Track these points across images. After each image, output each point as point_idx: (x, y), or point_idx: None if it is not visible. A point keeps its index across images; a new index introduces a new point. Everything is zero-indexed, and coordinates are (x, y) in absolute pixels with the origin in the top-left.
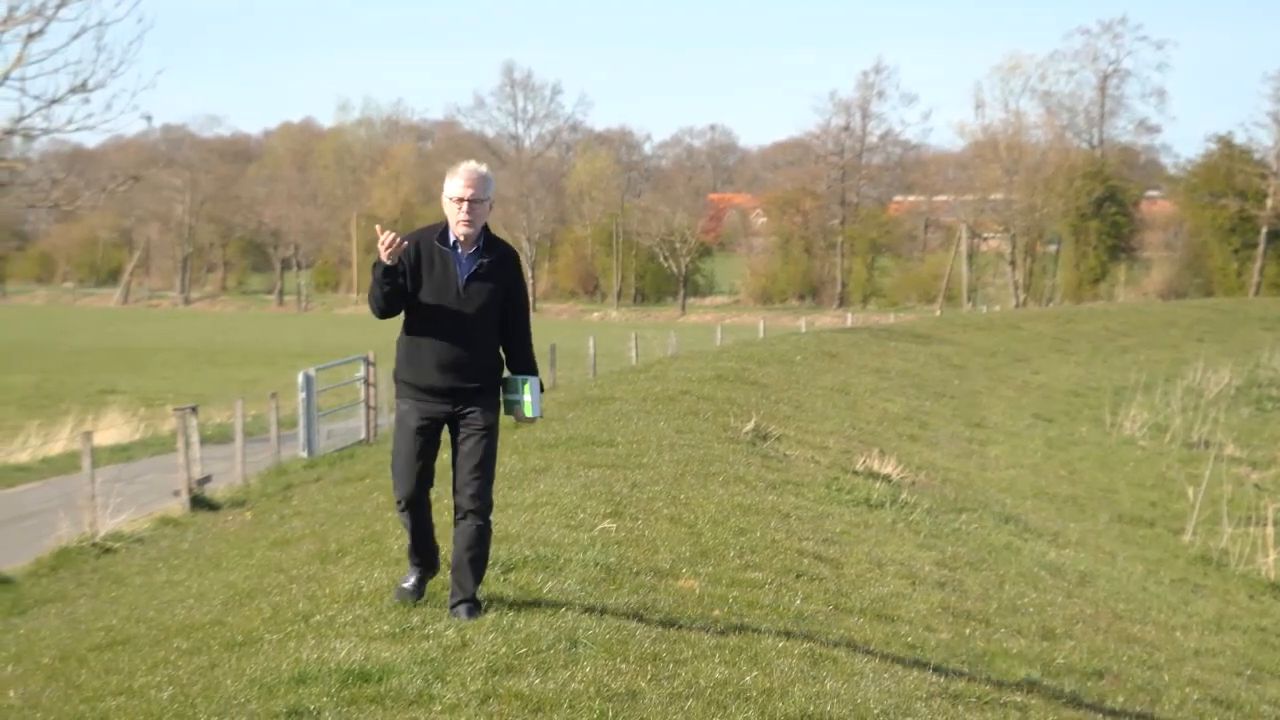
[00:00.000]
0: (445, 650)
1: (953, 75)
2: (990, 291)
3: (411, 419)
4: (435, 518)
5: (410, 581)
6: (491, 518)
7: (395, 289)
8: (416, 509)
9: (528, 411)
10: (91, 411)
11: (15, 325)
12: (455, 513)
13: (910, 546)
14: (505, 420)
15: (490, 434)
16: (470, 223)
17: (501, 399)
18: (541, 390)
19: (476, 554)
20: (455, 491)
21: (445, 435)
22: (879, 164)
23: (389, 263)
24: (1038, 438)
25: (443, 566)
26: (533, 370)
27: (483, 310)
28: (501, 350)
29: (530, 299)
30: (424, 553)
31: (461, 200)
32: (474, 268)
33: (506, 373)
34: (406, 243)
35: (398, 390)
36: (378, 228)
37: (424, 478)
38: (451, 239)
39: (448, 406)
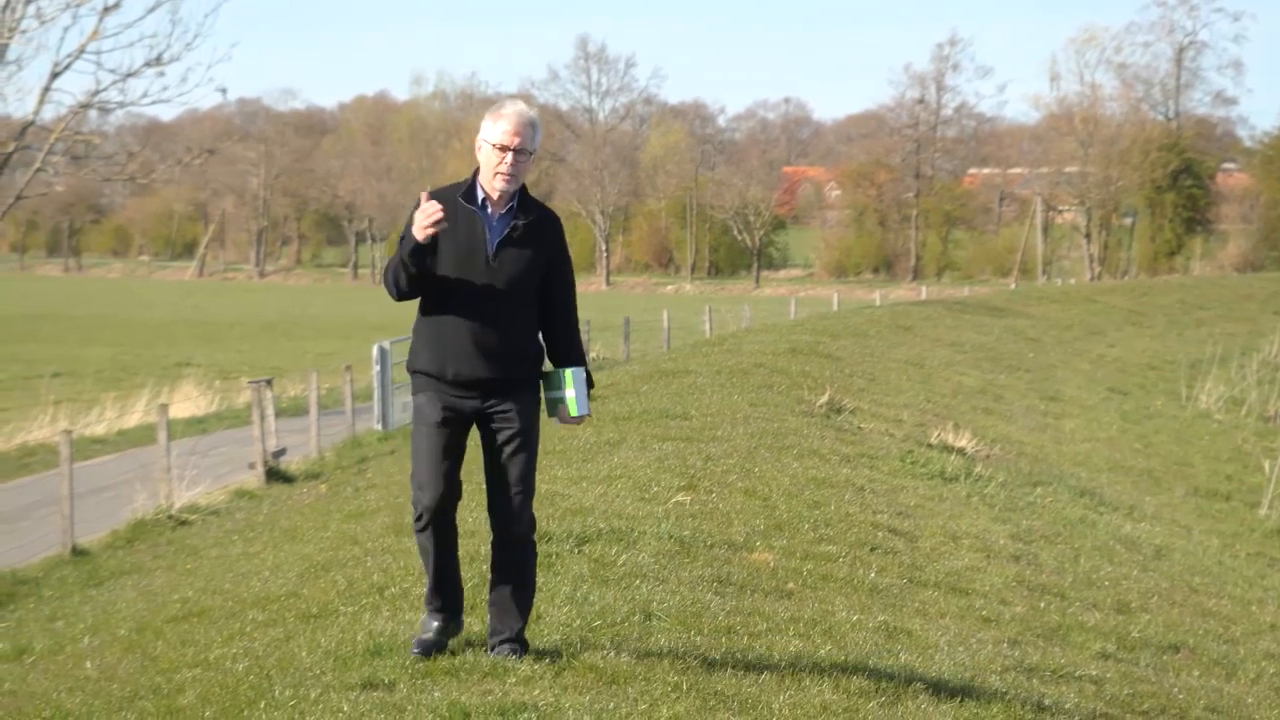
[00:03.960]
0: None
1: (1028, 48)
2: (1065, 264)
3: (431, 412)
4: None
5: (430, 632)
6: (535, 536)
7: (422, 270)
8: (440, 529)
9: (573, 410)
10: (167, 384)
11: (92, 298)
12: (492, 533)
13: (985, 520)
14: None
15: (529, 439)
16: (512, 177)
17: (542, 396)
18: (590, 384)
19: (519, 583)
20: (490, 509)
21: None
22: (953, 137)
23: (422, 239)
24: (1113, 411)
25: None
26: (578, 361)
27: (517, 283)
28: (541, 337)
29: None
30: (446, 593)
31: (506, 149)
32: (506, 230)
33: (547, 364)
34: (445, 222)
35: (414, 382)
36: (423, 195)
37: (451, 484)
38: (480, 195)
39: (476, 402)
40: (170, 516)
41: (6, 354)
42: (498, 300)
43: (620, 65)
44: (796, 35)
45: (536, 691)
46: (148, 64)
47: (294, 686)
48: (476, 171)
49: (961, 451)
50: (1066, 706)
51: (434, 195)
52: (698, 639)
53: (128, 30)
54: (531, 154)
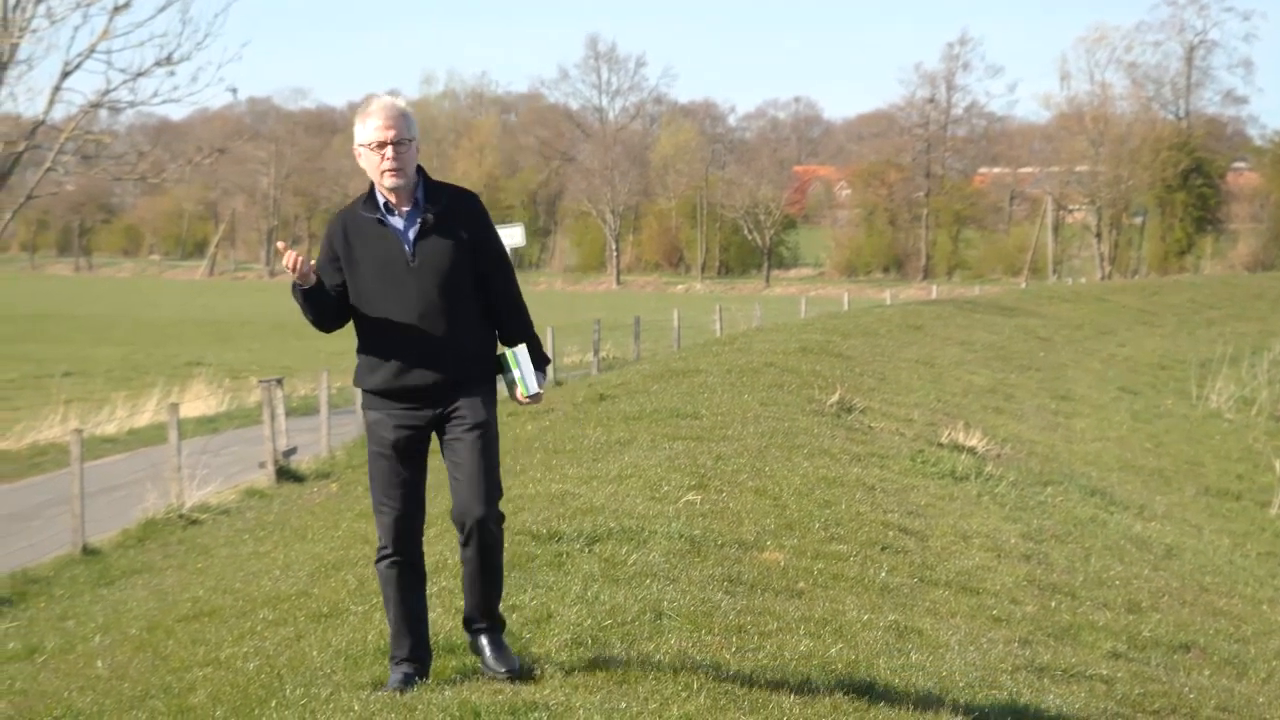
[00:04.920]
0: (529, 622)
1: (1038, 47)
2: (1075, 264)
3: (386, 432)
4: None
5: (395, 685)
6: (503, 527)
7: (325, 305)
8: (404, 566)
9: (522, 390)
10: (178, 383)
11: (102, 298)
12: (458, 533)
13: (996, 519)
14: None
15: (485, 430)
16: (398, 170)
17: (501, 380)
18: (546, 362)
19: (486, 566)
20: (453, 508)
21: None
22: (964, 136)
23: (304, 285)
24: (1123, 410)
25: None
26: (528, 336)
27: (446, 276)
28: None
29: (511, 253)
30: (411, 636)
31: (383, 144)
32: (417, 224)
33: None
34: (313, 263)
35: (364, 399)
36: (279, 245)
37: (412, 510)
38: (381, 201)
39: (429, 411)
40: (181, 516)
41: (17, 353)
42: (430, 301)
43: (630, 64)
44: (807, 34)
45: (547, 690)
46: (158, 63)
47: (305, 686)
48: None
49: (972, 451)
50: (1077, 706)
51: (337, 217)
52: (708, 638)
53: (138, 29)
54: (412, 141)
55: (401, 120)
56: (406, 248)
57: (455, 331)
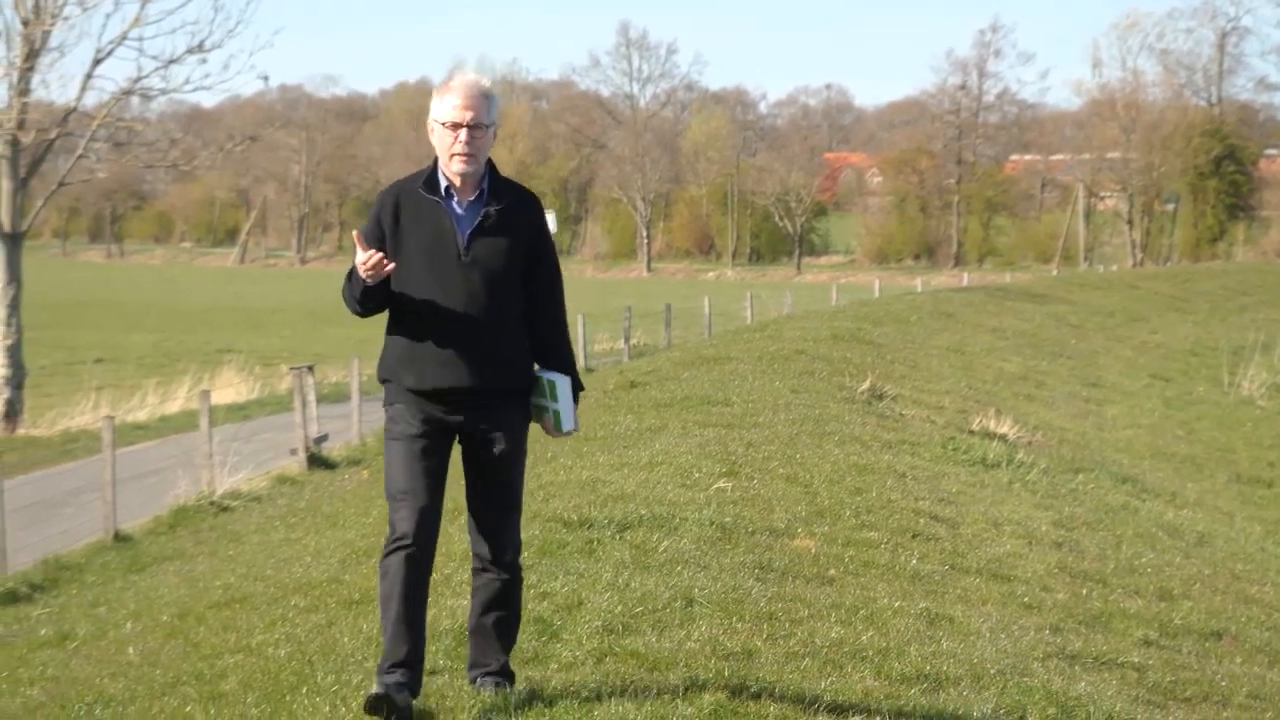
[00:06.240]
0: (560, 609)
1: (1070, 34)
2: (1107, 251)
3: (408, 424)
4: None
5: (383, 687)
6: (521, 560)
7: (379, 293)
8: (412, 561)
9: (559, 425)
10: (209, 370)
11: (134, 285)
12: (473, 561)
13: (1027, 506)
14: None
15: (515, 454)
16: (470, 156)
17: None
18: (580, 391)
19: (502, 616)
20: (471, 531)
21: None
22: (995, 123)
23: (370, 284)
24: (1155, 398)
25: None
26: (566, 365)
27: (495, 277)
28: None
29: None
30: (409, 640)
31: (458, 126)
32: (478, 219)
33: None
34: (391, 265)
35: (387, 392)
36: (356, 235)
37: (430, 507)
38: (443, 184)
39: (459, 415)
40: (212, 502)
41: (50, 340)
42: (476, 300)
43: (661, 51)
44: (838, 21)
45: (578, 677)
46: (190, 50)
47: (336, 672)
48: (437, 159)
49: (1003, 438)
50: (1109, 693)
51: (391, 188)
52: (739, 625)
53: (170, 17)
54: (489, 128)
55: (482, 102)
56: (461, 240)
57: (495, 336)
